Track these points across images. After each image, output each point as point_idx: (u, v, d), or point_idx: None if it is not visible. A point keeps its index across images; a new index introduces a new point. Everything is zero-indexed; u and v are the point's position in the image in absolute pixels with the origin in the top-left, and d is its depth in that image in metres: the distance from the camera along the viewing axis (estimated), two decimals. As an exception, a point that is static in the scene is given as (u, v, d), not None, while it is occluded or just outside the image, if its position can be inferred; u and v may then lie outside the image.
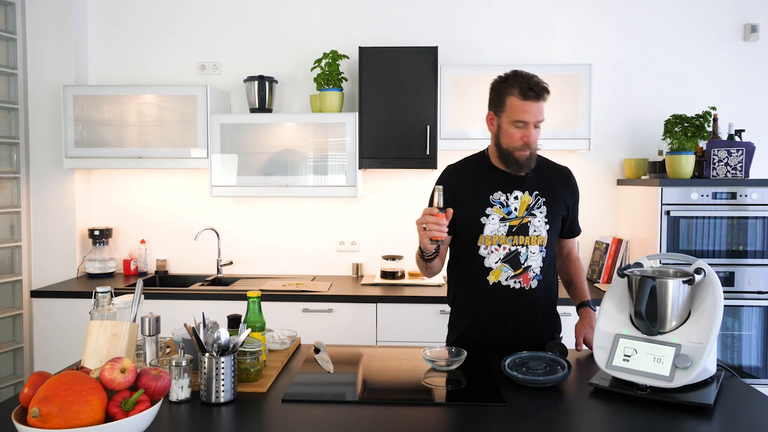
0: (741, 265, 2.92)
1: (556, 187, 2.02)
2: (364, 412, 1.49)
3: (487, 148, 2.06)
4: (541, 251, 1.97)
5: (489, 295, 1.98)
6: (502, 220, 1.95)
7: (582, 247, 3.46)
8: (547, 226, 1.97)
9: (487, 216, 1.95)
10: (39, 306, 3.12)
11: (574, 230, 2.12)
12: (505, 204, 1.96)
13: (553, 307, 2.09)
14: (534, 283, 1.97)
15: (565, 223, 2.06)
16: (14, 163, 3.44)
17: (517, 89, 1.86)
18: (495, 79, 1.96)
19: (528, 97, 1.85)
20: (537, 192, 1.98)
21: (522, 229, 1.95)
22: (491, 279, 1.96)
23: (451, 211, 1.75)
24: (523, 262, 1.95)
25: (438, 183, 1.99)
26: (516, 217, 1.95)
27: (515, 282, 1.96)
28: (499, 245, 1.95)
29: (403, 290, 3.11)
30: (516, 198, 1.96)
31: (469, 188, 1.98)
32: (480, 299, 2.00)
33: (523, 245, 1.94)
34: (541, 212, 1.97)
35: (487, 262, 1.96)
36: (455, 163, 2.10)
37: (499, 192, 1.97)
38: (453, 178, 2.02)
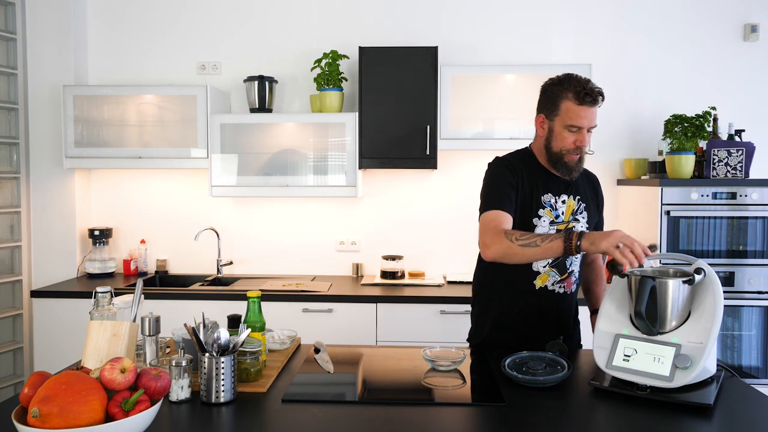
0: (741, 265, 2.92)
1: (590, 193, 2.04)
2: (364, 412, 1.48)
3: (530, 147, 2.01)
4: (579, 257, 1.98)
5: (533, 299, 1.94)
6: (552, 223, 1.91)
7: (582, 247, 3.45)
8: (588, 231, 1.96)
9: (539, 218, 1.90)
10: (39, 306, 3.12)
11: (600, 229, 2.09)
12: (554, 207, 1.92)
13: (578, 309, 2.12)
14: (574, 287, 1.99)
15: (596, 229, 2.05)
16: (14, 163, 3.44)
17: (572, 93, 1.82)
18: (547, 81, 1.92)
19: (584, 102, 1.81)
20: (579, 197, 1.97)
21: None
22: (538, 283, 1.93)
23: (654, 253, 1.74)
24: (568, 266, 1.94)
25: (497, 167, 1.92)
26: (563, 221, 1.92)
27: (560, 287, 1.95)
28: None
29: (403, 290, 3.11)
30: (563, 202, 1.93)
31: (526, 183, 1.91)
32: (522, 302, 1.95)
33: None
34: (583, 218, 1.97)
35: (535, 266, 1.92)
36: (505, 156, 1.99)
37: (550, 194, 1.92)
38: (513, 168, 1.91)
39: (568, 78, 1.85)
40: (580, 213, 1.96)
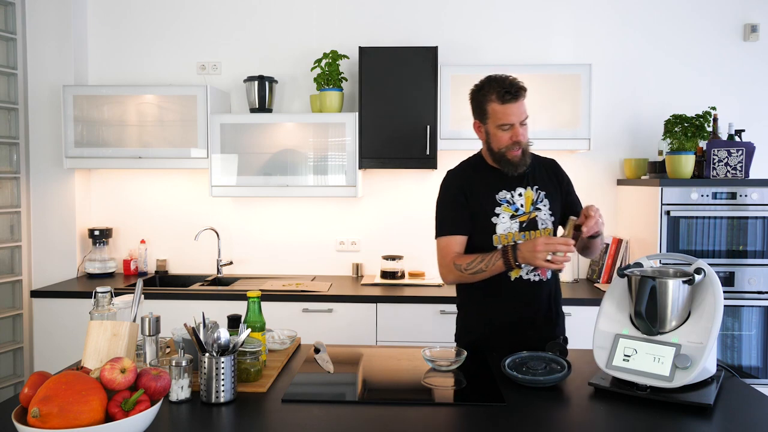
0: (741, 265, 2.92)
1: (550, 180, 2.08)
2: (364, 412, 1.49)
3: (481, 151, 2.12)
4: None
5: (511, 291, 2.00)
6: (512, 217, 1.99)
7: (582, 247, 3.45)
8: (552, 218, 2.03)
9: (497, 215, 1.99)
10: (39, 306, 3.12)
11: (577, 208, 2.10)
12: (511, 201, 2.00)
13: (560, 295, 2.13)
14: (549, 274, 2.03)
15: (567, 207, 2.09)
16: (14, 163, 3.44)
17: (494, 95, 1.91)
18: (471, 89, 2.01)
19: (506, 100, 1.89)
20: (537, 186, 2.04)
21: (531, 224, 2.00)
22: (513, 275, 1.99)
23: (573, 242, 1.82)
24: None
25: (445, 188, 2.06)
26: (524, 213, 1.99)
27: (534, 275, 2.00)
28: (515, 241, 1.96)
29: (403, 290, 3.11)
30: (520, 195, 2.01)
31: (477, 189, 2.01)
32: (501, 296, 2.01)
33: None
34: (544, 205, 2.02)
35: None
36: (454, 168, 2.12)
37: (504, 191, 2.01)
38: (461, 181, 2.05)
39: (488, 81, 1.94)
40: (541, 201, 2.02)
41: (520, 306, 2.01)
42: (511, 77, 1.92)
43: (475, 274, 1.92)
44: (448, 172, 2.12)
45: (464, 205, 2.00)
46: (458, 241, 2.00)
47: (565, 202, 2.09)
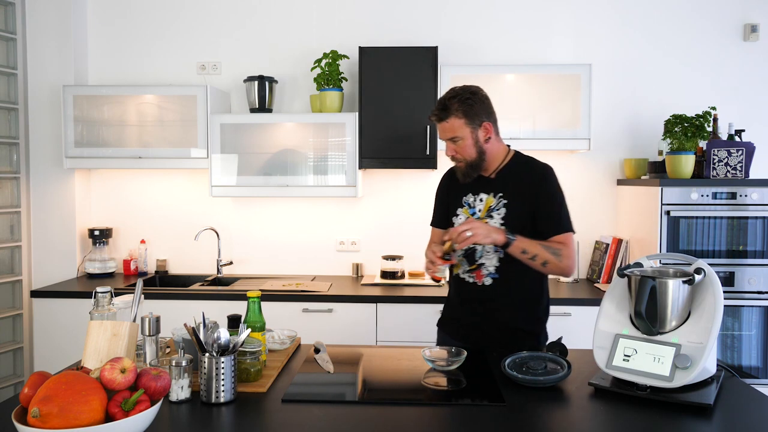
0: (741, 265, 2.92)
1: (525, 188, 2.03)
2: (364, 412, 1.49)
3: None
4: (496, 251, 2.02)
5: (456, 286, 2.17)
6: (470, 219, 2.09)
7: (582, 247, 3.46)
8: (503, 227, 1.99)
9: (457, 216, 2.12)
10: (39, 306, 3.12)
11: (550, 227, 2.00)
12: (471, 205, 2.10)
13: (526, 307, 2.08)
14: (488, 281, 2.06)
15: (537, 223, 2.01)
16: (14, 163, 3.44)
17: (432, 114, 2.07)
18: None
19: (435, 120, 2.05)
20: (501, 194, 2.05)
21: None
22: (455, 271, 2.15)
23: (453, 261, 2.03)
24: (477, 259, 2.06)
25: (437, 190, 2.27)
26: (478, 217, 2.07)
27: (469, 276, 2.09)
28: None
29: (403, 290, 3.11)
30: (481, 200, 2.09)
31: (453, 191, 2.18)
32: (453, 288, 2.21)
33: (479, 243, 1.97)
34: (499, 214, 2.03)
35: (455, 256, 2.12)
36: (450, 169, 2.24)
37: (470, 194, 2.11)
38: (444, 182, 2.25)
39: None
40: (497, 209, 2.04)
41: (459, 298, 2.15)
42: (447, 97, 2.02)
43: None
44: (448, 170, 2.26)
45: (443, 202, 2.21)
46: (435, 233, 2.25)
47: (534, 214, 2.01)
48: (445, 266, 2.00)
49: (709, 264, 1.63)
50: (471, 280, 2.09)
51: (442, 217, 2.21)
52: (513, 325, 2.07)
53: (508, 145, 2.15)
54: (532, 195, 2.02)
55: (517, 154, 2.12)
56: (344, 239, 3.58)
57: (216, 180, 3.26)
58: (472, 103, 1.99)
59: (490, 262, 2.04)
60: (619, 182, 3.47)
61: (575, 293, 3.09)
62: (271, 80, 3.41)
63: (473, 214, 2.08)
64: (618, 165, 3.50)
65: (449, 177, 2.23)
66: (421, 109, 3.17)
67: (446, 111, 2.01)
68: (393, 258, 3.37)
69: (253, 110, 3.40)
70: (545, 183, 2.04)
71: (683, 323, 1.58)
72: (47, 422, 1.14)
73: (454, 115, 2.00)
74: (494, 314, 2.07)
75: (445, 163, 3.37)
